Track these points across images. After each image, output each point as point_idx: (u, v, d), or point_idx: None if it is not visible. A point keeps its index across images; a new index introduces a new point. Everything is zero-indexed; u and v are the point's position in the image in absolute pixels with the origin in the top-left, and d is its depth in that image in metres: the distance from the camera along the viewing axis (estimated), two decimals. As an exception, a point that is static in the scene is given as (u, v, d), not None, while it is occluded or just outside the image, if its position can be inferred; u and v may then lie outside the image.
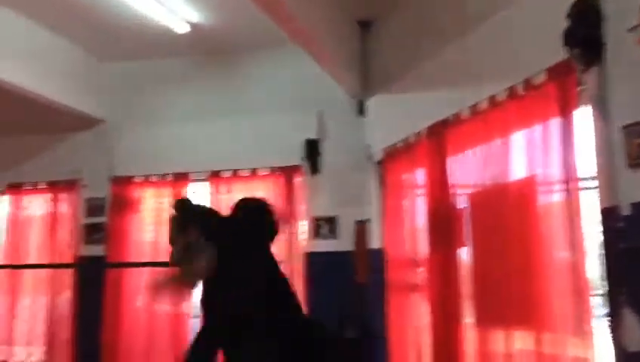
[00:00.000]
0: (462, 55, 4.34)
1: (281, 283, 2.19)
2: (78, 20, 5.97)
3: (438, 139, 4.59)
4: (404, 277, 5.27)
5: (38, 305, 6.85)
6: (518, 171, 3.68)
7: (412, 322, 5.08)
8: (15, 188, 7.16)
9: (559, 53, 3.07)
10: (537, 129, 3.48)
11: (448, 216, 4.47)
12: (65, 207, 6.99)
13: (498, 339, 3.86)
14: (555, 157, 3.32)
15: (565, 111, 3.26)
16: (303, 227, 6.28)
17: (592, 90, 2.96)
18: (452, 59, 4.47)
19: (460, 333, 4.32)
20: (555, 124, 3.33)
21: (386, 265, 5.55)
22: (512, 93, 3.69)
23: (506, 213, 3.73)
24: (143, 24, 5.89)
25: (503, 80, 3.75)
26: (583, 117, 3.14)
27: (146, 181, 6.76)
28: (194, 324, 6.05)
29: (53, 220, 6.99)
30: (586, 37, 2.92)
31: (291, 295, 2.24)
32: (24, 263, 6.97)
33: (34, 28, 6.00)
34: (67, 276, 6.76)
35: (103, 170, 6.76)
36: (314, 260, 6.10)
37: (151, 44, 6.43)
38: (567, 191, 3.25)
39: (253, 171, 6.43)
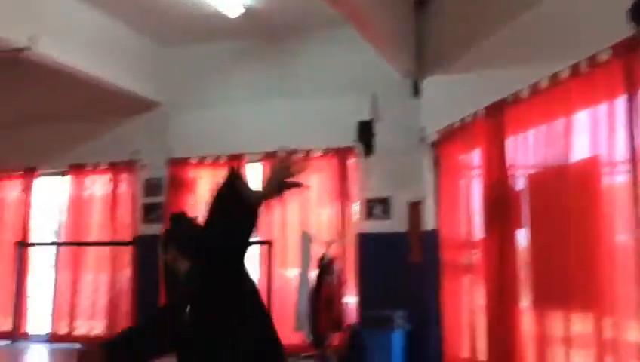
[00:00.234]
0: (521, 33, 4.24)
1: (249, 297, 1.92)
2: (138, 7, 6.13)
3: (496, 119, 4.52)
4: (458, 258, 5.24)
5: (100, 281, 7.11)
6: (580, 151, 3.60)
7: (466, 303, 5.06)
8: (77, 169, 7.41)
9: (624, 30, 2.98)
10: (601, 108, 3.39)
11: (506, 197, 4.41)
12: (124, 187, 7.21)
13: (556, 323, 3.82)
14: (620, 137, 3.24)
15: (631, 90, 3.17)
16: (356, 208, 6.30)
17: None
18: (511, 36, 4.37)
19: (516, 316, 4.28)
20: (620, 102, 3.24)
21: (440, 247, 5.52)
22: (575, 70, 3.59)
23: (568, 194, 3.66)
24: (199, 9, 5.98)
25: (566, 57, 3.66)
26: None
27: (202, 162, 6.90)
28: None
29: (113, 200, 7.22)
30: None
31: (259, 313, 1.94)
32: (85, 241, 7.23)
33: (96, 15, 6.19)
34: (126, 253, 6.99)
35: (161, 152, 6.93)
36: (367, 241, 6.11)
37: (206, 28, 6.52)
38: (633, 172, 3.17)
39: (308, 152, 6.47)
